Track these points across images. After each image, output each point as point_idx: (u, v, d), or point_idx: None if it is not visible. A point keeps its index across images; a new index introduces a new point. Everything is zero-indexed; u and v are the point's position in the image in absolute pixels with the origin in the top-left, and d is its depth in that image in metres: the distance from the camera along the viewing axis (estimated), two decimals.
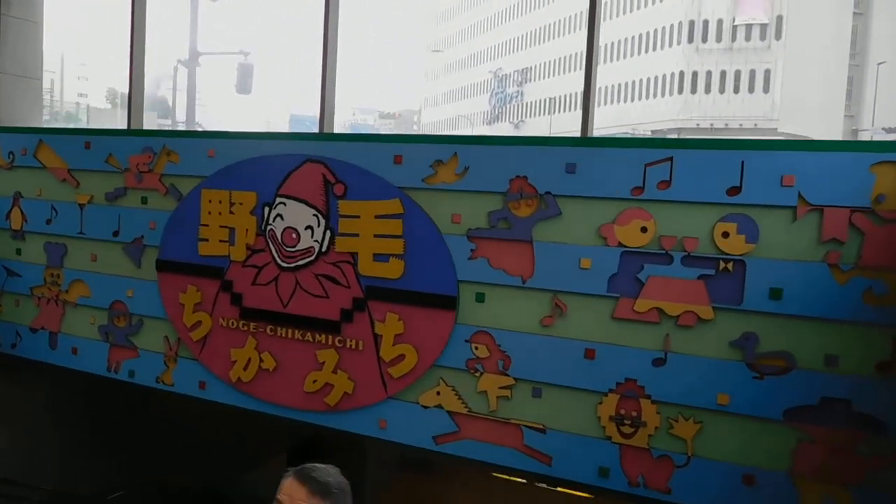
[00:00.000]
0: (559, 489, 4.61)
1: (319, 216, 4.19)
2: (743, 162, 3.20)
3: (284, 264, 4.35)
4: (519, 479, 4.40)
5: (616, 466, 3.58)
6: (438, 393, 3.96)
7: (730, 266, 3.26)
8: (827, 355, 3.16)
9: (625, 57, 54.79)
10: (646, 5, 52.65)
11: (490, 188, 3.74)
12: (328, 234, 4.17)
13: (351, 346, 4.15)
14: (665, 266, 3.39)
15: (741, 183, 3.22)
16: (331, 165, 4.15)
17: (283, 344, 4.41)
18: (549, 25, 62.99)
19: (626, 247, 3.46)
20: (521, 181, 3.66)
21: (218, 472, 7.06)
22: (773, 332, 3.23)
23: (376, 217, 4.01)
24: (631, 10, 54.13)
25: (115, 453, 6.19)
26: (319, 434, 4.73)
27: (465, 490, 7.87)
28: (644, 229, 3.41)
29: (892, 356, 3.04)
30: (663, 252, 3.38)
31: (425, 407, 3.98)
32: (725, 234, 3.26)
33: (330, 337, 4.23)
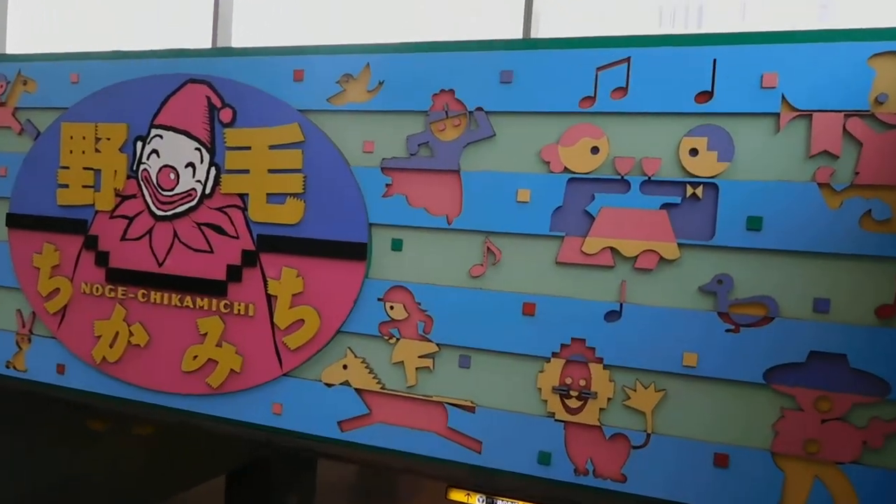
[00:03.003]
0: None
1: (203, 150, 3.66)
2: (715, 60, 2.81)
3: (160, 212, 3.79)
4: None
5: (559, 450, 3.12)
6: (345, 367, 3.47)
7: (699, 191, 2.85)
8: (816, 299, 2.79)
9: None
10: None
11: (409, 106, 3.30)
12: (213, 171, 3.61)
13: (239, 311, 3.60)
14: (620, 195, 2.98)
15: (712, 86, 2.83)
16: (217, 86, 3.64)
17: (157, 312, 3.84)
18: None
19: (572, 172, 3.05)
20: (447, 96, 3.21)
21: (142, 497, 6.27)
22: (750, 273, 2.84)
23: (271, 148, 3.51)
24: None
25: None
26: (265, 454, 4.17)
27: None
28: (595, 150, 2.98)
29: (895, 298, 2.60)
30: (618, 177, 2.97)
31: (329, 385, 3.47)
32: (694, 152, 2.84)
33: (214, 301, 3.67)
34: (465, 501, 3.83)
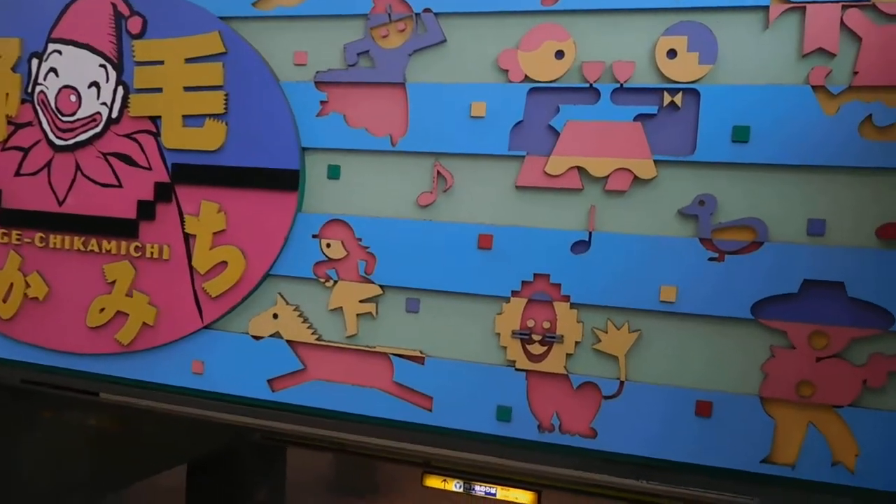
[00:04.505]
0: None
1: (108, 66, 3.46)
2: None
3: (60, 141, 3.58)
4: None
5: (521, 404, 3.00)
6: (275, 316, 3.31)
7: (678, 99, 2.74)
8: (811, 220, 2.69)
9: None
10: None
11: (346, 10, 3.15)
12: (120, 91, 3.40)
13: (152, 254, 3.42)
14: (589, 105, 2.88)
15: None
16: None
17: (57, 259, 3.66)
18: None
19: (534, 81, 2.95)
20: None
21: (91, 488, 5.96)
22: (737, 192, 2.76)
23: (187, 61, 3.34)
24: None
25: None
26: (233, 441, 4.02)
27: None
28: (560, 54, 2.86)
29: None
30: (586, 85, 2.86)
31: (257, 338, 3.30)
32: (672, 54, 2.74)
33: (123, 243, 3.50)
34: (442, 487, 3.79)
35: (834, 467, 2.69)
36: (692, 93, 2.75)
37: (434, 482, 3.79)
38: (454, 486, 3.80)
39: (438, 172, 3.05)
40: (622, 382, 2.89)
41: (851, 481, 2.66)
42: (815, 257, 2.67)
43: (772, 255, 2.70)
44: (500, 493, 3.72)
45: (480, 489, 3.76)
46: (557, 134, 2.90)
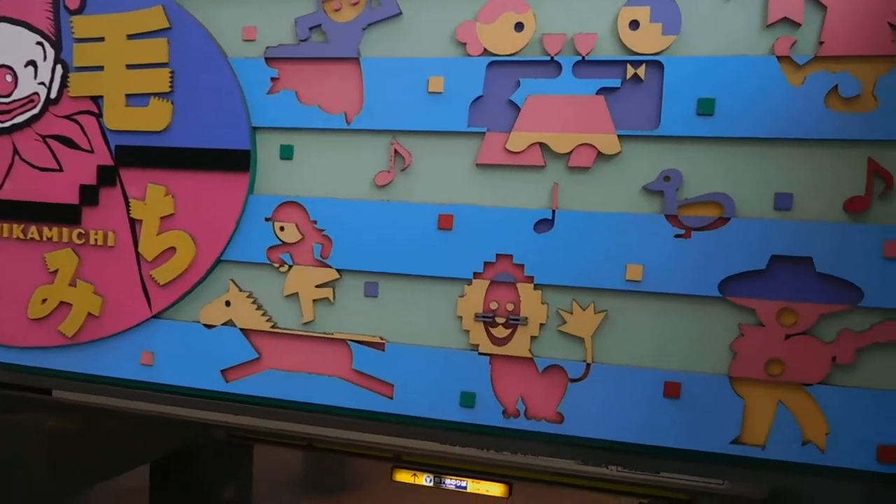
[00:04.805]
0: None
1: (46, 44, 3.34)
2: None
3: None
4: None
5: (485, 389, 2.95)
6: (228, 303, 3.24)
7: (641, 72, 2.71)
8: (777, 194, 2.66)
9: None
10: None
11: None
12: (59, 70, 3.27)
13: (96, 241, 3.32)
14: (550, 79, 2.84)
15: None
16: None
17: None
18: None
19: (493, 54, 2.88)
20: None
21: (52, 490, 5.80)
22: (702, 167, 2.72)
23: (129, 37, 3.24)
24: None
25: None
26: (197, 440, 4.10)
27: None
28: (519, 26, 2.82)
29: (867, 188, 2.46)
30: (547, 58, 2.83)
31: (209, 326, 3.22)
32: (634, 25, 2.70)
33: (65, 230, 3.41)
34: (412, 482, 3.75)
35: (804, 446, 2.68)
36: (656, 65, 2.71)
37: (404, 477, 3.74)
38: (424, 480, 3.76)
39: (396, 151, 2.98)
40: (588, 365, 2.86)
41: (822, 460, 2.65)
42: (782, 232, 2.65)
43: (739, 230, 2.68)
44: (471, 485, 3.68)
45: (451, 482, 3.73)
46: (518, 109, 2.85)
